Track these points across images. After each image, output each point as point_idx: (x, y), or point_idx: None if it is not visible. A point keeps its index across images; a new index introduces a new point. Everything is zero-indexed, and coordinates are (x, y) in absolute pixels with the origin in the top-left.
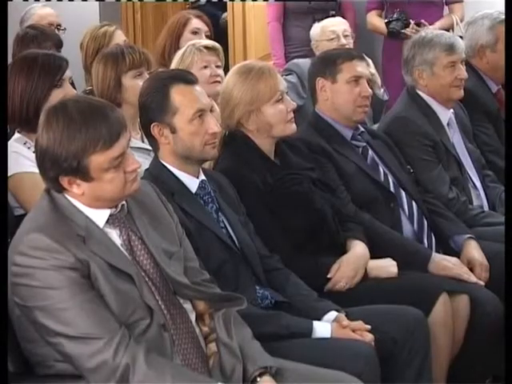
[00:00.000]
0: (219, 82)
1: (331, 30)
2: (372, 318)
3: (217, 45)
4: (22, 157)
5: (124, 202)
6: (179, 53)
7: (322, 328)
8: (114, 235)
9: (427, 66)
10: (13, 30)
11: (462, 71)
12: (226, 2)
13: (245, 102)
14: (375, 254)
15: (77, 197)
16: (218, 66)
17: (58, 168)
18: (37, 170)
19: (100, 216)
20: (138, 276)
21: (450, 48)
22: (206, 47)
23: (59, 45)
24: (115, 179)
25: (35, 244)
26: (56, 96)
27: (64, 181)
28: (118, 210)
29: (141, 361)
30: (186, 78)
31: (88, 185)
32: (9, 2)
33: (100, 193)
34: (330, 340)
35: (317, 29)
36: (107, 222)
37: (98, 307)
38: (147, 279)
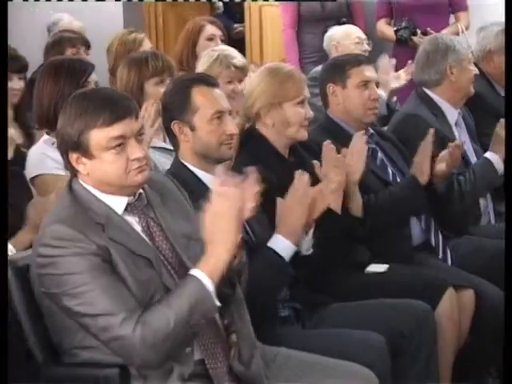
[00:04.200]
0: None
1: (357, 36)
2: (381, 312)
3: (246, 64)
4: (49, 159)
5: (142, 192)
6: (206, 60)
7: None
8: (134, 223)
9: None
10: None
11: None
12: (241, 14)
13: (268, 93)
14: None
15: (87, 181)
16: (240, 81)
17: (65, 144)
18: (60, 172)
19: (118, 203)
20: (157, 260)
21: None
22: (235, 66)
23: (88, 47)
24: (116, 162)
25: (57, 234)
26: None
27: (72, 158)
28: (136, 198)
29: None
30: (207, 80)
31: (90, 163)
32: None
33: (101, 174)
34: (342, 331)
35: (339, 31)
36: (126, 210)
37: (118, 288)
38: (166, 263)
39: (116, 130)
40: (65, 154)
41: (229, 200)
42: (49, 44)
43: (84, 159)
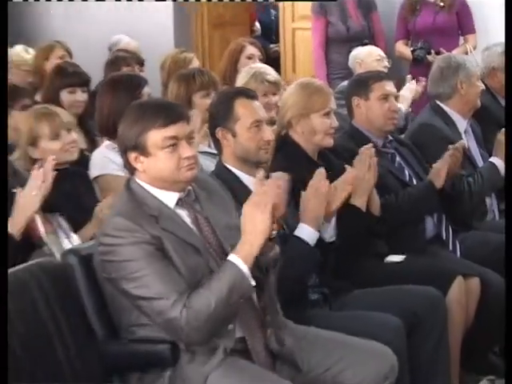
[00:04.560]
0: (273, 108)
1: (378, 54)
2: (398, 297)
3: (278, 79)
4: (111, 162)
5: (190, 189)
6: (244, 76)
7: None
8: (184, 215)
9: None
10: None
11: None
12: (277, 36)
13: (298, 105)
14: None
15: (144, 178)
16: (274, 94)
17: (125, 145)
18: (120, 173)
19: (170, 198)
20: (204, 248)
21: None
22: (269, 81)
23: (142, 64)
24: (169, 160)
25: (117, 226)
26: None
27: (131, 157)
28: (186, 194)
29: None
30: (248, 93)
31: (147, 161)
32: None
33: (156, 171)
34: (364, 313)
35: (363, 51)
36: (178, 204)
37: (169, 273)
38: (211, 250)
39: (170, 131)
40: (124, 154)
41: (265, 197)
42: (108, 62)
43: (142, 158)
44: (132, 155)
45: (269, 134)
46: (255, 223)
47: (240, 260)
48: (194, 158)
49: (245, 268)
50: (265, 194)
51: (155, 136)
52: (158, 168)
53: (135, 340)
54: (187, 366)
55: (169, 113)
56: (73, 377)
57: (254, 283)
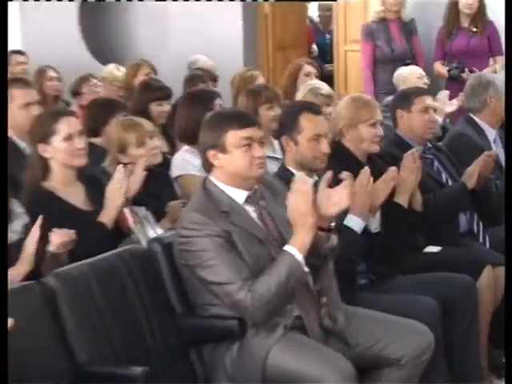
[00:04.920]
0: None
1: (419, 73)
2: (434, 282)
3: (331, 93)
4: (189, 164)
5: (257, 187)
6: (303, 91)
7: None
8: (251, 211)
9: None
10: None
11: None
12: (331, 57)
13: (349, 116)
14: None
15: (219, 176)
16: (328, 106)
17: (206, 144)
18: (197, 173)
19: (239, 195)
20: (267, 240)
21: None
22: (323, 95)
23: (215, 80)
24: (243, 157)
25: (192, 220)
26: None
27: (210, 155)
28: (253, 192)
29: None
30: (313, 108)
31: (224, 157)
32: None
33: (232, 166)
34: (406, 296)
35: (405, 70)
36: (246, 201)
37: (236, 262)
38: (274, 241)
39: (246, 132)
40: (204, 152)
41: (304, 194)
42: (186, 78)
43: (220, 155)
44: (211, 153)
45: (326, 147)
46: (300, 223)
47: (295, 250)
48: (264, 158)
49: (300, 257)
50: (307, 194)
51: (233, 136)
52: (233, 164)
53: (208, 316)
54: (252, 340)
55: (245, 118)
56: (155, 349)
57: (307, 269)
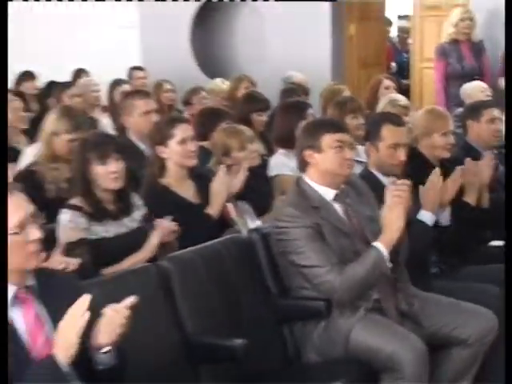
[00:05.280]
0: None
1: (482, 87)
2: (498, 273)
3: (408, 104)
4: (284, 165)
5: (344, 187)
6: (383, 102)
7: None
8: (338, 207)
9: None
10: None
11: None
12: (408, 73)
13: (423, 126)
14: None
15: (312, 175)
16: (405, 115)
17: (303, 145)
18: (291, 173)
19: (329, 193)
20: (352, 233)
21: None
22: (400, 105)
23: (307, 93)
24: (335, 158)
25: (287, 213)
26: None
27: (306, 154)
28: (340, 191)
29: None
30: (394, 120)
31: (319, 157)
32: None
33: (325, 165)
34: (472, 284)
35: (471, 85)
36: (334, 198)
37: (324, 250)
38: (357, 235)
39: (339, 136)
40: (301, 152)
41: (400, 199)
42: (282, 91)
43: (315, 154)
44: (308, 152)
45: (402, 155)
46: (393, 221)
47: (382, 246)
48: (352, 160)
49: (385, 252)
50: (399, 198)
51: (329, 138)
52: (326, 162)
53: (300, 298)
54: (337, 319)
55: (339, 124)
56: (253, 325)
57: (390, 265)
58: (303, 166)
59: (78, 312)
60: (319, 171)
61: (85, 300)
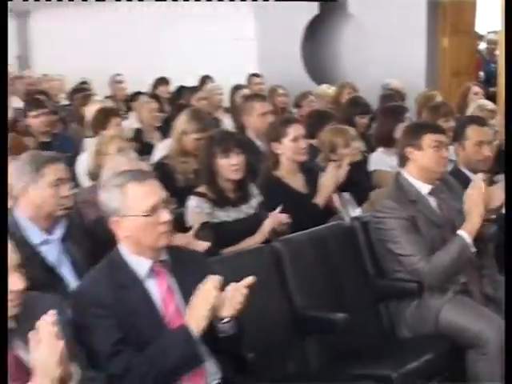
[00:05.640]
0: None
1: None
2: None
3: (495, 108)
4: (383, 162)
5: (438, 183)
6: (472, 107)
7: None
8: (432, 201)
9: None
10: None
11: None
12: (495, 82)
13: None
14: None
15: (411, 170)
16: (492, 118)
17: (405, 143)
18: (389, 169)
19: (425, 188)
20: (444, 224)
21: None
22: (487, 109)
23: (403, 99)
24: (433, 155)
25: (385, 205)
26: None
27: (408, 151)
28: (435, 186)
29: None
30: (477, 121)
31: (419, 154)
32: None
33: (423, 161)
34: None
35: None
36: (429, 193)
37: (417, 240)
38: (448, 226)
39: (438, 137)
40: (402, 149)
41: (478, 193)
42: (381, 96)
43: (416, 152)
44: (409, 150)
45: (487, 152)
46: (473, 209)
47: (466, 234)
48: (447, 159)
49: (469, 239)
50: (478, 192)
51: (429, 138)
52: (425, 159)
53: (395, 279)
54: (428, 300)
55: (438, 127)
56: (354, 304)
57: (474, 250)
58: (403, 161)
59: (209, 289)
60: (418, 167)
61: (216, 279)
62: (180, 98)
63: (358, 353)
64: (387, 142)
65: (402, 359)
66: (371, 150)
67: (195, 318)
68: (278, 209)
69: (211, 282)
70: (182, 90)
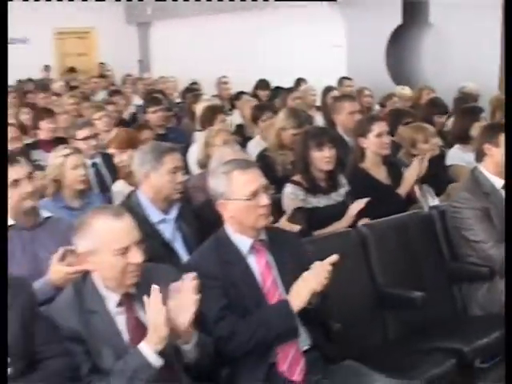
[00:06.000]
0: None
1: None
2: None
3: None
4: (459, 157)
5: None
6: None
7: None
8: (503, 193)
9: None
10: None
11: None
12: None
13: None
14: None
15: (487, 165)
16: None
17: (483, 139)
18: (464, 164)
19: (498, 182)
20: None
21: None
22: None
23: (477, 100)
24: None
25: (462, 196)
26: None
27: (485, 147)
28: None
29: None
30: None
31: (495, 150)
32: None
33: (499, 156)
34: None
35: None
36: (502, 187)
37: (490, 229)
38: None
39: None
40: (480, 145)
41: None
42: (456, 98)
43: (493, 148)
44: (487, 146)
45: None
46: None
47: None
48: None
49: None
50: None
51: (502, 137)
52: (500, 155)
53: (468, 263)
54: (498, 283)
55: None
56: (430, 284)
57: None
58: (481, 157)
59: (320, 269)
60: (494, 162)
61: (331, 260)
62: (276, 98)
63: (433, 328)
64: (464, 139)
65: (474, 335)
66: (447, 146)
67: (298, 298)
68: (365, 199)
69: (323, 262)
70: (277, 90)
